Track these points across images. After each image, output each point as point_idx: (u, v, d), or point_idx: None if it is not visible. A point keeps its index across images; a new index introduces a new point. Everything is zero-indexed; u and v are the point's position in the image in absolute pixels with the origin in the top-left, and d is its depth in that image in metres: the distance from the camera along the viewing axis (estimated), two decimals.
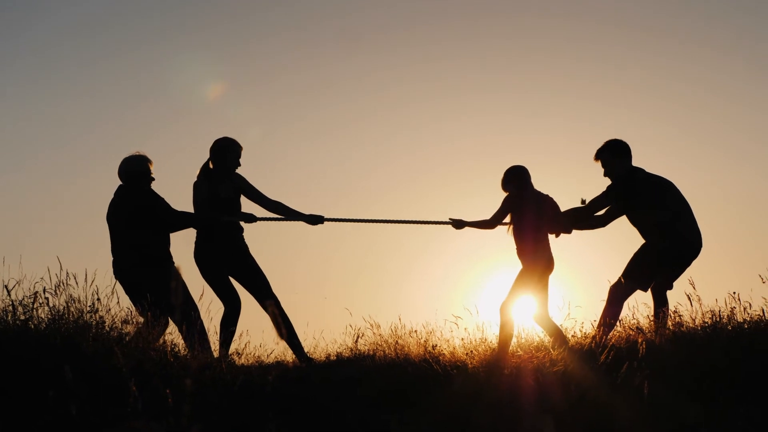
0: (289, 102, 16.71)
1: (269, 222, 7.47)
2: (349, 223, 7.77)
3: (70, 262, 6.28)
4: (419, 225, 7.84)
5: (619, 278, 7.16)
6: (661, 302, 7.26)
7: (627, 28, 16.19)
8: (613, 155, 7.35)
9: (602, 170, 7.42)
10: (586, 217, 7.37)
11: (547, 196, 7.01)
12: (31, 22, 16.28)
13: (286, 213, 7.44)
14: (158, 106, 16.96)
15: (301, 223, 7.50)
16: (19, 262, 6.15)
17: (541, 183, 7.02)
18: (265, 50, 16.99)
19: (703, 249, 7.20)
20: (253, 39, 16.86)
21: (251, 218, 7.31)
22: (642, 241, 7.26)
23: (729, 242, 14.55)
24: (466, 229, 7.36)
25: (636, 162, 7.39)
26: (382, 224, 7.83)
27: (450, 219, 7.42)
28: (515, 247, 6.93)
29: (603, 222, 7.46)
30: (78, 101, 16.68)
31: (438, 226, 7.66)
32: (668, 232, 7.11)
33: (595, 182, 7.65)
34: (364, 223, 7.81)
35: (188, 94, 16.00)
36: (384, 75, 16.86)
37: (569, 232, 7.21)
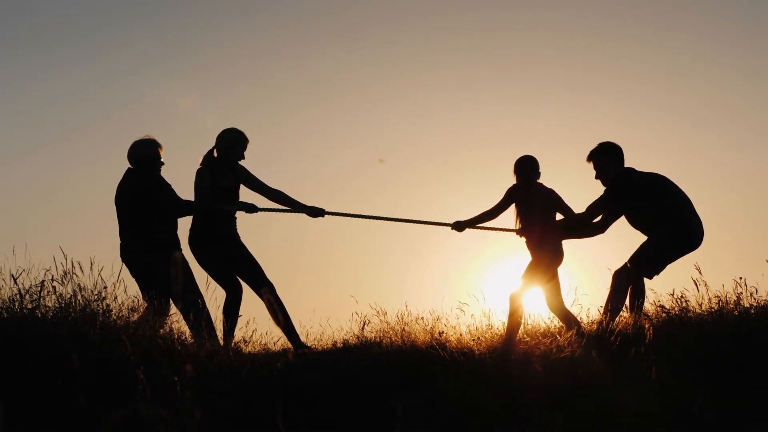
0: (290, 95, 16.70)
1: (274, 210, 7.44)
2: (354, 211, 7.75)
3: (76, 250, 6.29)
4: (422, 217, 7.84)
5: (624, 264, 7.14)
6: (638, 292, 7.21)
7: (636, 20, 16.14)
8: (605, 157, 7.31)
9: (593, 172, 7.38)
10: (586, 223, 7.27)
11: (551, 190, 6.98)
12: (31, 11, 16.27)
13: (288, 202, 7.42)
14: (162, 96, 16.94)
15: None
16: (25, 250, 6.16)
17: (553, 174, 6.98)
18: (261, 47, 16.98)
19: (710, 234, 7.18)
20: (250, 36, 16.85)
21: (252, 208, 7.28)
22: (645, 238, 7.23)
23: (736, 228, 14.55)
24: (471, 216, 7.32)
25: (645, 152, 7.37)
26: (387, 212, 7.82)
27: (453, 222, 7.39)
28: (524, 239, 6.92)
29: (601, 227, 7.34)
30: (80, 91, 16.69)
31: (442, 213, 7.66)
32: (674, 222, 7.08)
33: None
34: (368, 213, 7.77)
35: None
36: (384, 67, 16.84)
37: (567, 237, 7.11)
